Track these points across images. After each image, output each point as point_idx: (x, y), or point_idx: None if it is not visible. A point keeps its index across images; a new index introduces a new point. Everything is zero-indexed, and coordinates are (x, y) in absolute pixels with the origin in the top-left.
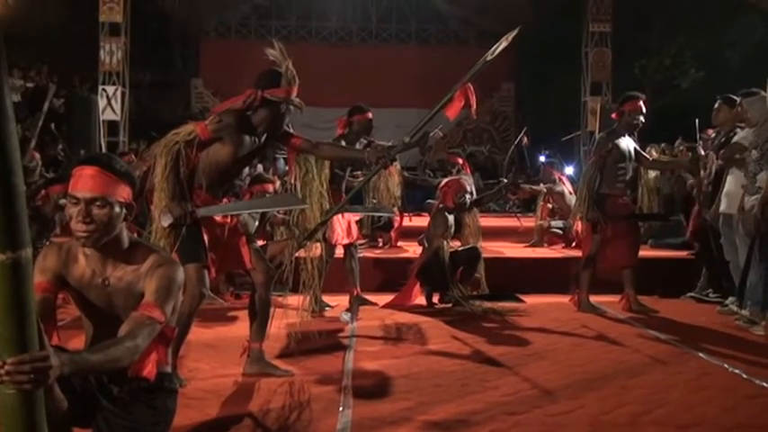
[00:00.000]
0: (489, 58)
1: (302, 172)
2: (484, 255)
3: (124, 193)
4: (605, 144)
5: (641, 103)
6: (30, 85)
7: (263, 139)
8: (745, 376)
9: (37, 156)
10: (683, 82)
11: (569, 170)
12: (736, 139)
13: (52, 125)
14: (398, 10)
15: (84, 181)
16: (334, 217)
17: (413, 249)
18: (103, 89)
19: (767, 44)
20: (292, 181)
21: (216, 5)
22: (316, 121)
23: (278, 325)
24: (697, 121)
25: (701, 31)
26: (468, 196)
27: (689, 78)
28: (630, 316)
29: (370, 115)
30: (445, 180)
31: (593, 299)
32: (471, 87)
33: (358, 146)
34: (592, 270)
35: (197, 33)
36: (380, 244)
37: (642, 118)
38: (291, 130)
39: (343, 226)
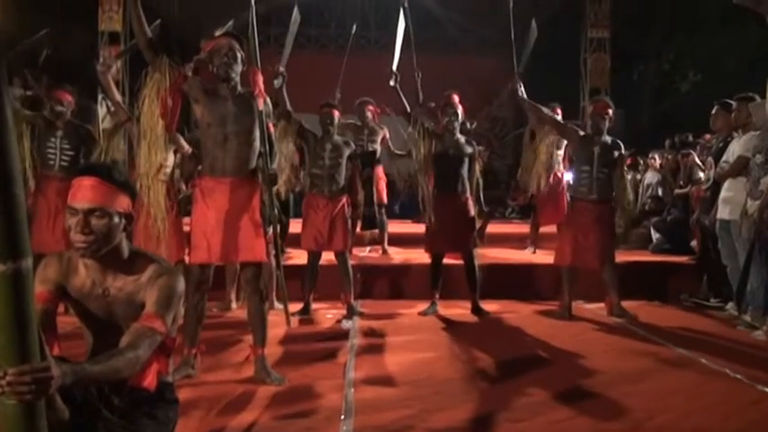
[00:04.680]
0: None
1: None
2: (484, 262)
3: (123, 203)
4: (567, 127)
5: (600, 105)
6: (29, 93)
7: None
8: (746, 382)
9: None
10: (682, 86)
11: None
12: (733, 145)
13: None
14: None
15: (84, 192)
16: (308, 223)
17: (402, 257)
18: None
19: (765, 48)
20: None
21: (215, 15)
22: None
23: (278, 333)
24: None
25: (698, 36)
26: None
27: (688, 82)
28: (632, 322)
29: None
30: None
31: (593, 305)
32: (256, 72)
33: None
34: (567, 275)
35: (197, 43)
36: (369, 250)
37: (602, 121)
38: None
39: (324, 232)
